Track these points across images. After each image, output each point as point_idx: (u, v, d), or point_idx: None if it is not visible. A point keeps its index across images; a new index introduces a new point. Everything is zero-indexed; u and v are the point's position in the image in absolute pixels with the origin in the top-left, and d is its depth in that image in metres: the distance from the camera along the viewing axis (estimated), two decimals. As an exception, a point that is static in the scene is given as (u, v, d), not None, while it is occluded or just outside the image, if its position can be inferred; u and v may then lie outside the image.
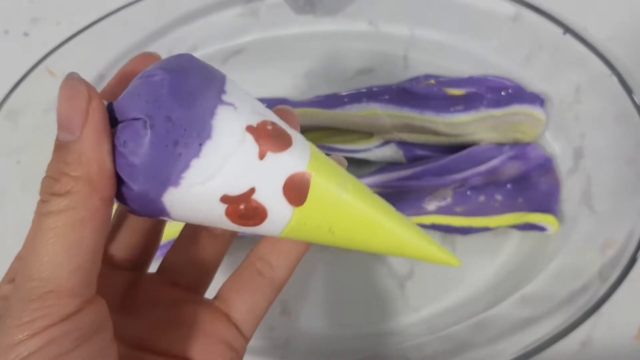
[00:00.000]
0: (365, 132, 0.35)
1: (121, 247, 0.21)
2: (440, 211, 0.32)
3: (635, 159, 0.31)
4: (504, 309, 0.31)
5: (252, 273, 0.21)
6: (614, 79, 0.32)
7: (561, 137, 0.34)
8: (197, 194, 0.16)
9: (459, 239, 0.33)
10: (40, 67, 0.36)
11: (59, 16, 0.40)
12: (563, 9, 0.34)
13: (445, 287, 0.32)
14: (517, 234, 0.33)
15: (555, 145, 0.34)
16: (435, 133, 0.34)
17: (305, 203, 0.17)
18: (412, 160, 0.34)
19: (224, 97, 0.17)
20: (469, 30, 0.36)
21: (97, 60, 0.37)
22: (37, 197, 0.16)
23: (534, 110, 0.34)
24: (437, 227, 0.32)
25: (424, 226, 0.32)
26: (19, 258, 0.18)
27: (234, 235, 0.22)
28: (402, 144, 0.34)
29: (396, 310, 0.32)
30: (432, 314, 0.32)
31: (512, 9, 0.35)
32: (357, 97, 0.35)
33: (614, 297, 0.28)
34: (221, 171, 0.16)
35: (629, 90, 0.32)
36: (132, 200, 0.17)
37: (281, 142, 0.17)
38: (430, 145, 0.34)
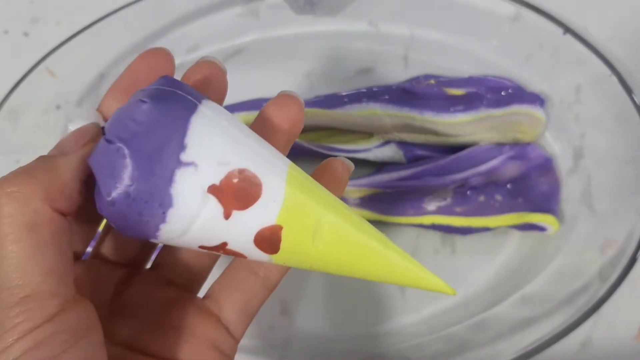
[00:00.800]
0: (365, 132, 0.35)
1: (117, 243, 0.21)
2: (440, 211, 0.32)
3: (635, 159, 0.31)
4: (504, 309, 0.31)
5: (245, 271, 0.20)
6: (614, 79, 0.32)
7: (561, 137, 0.34)
8: (177, 242, 0.17)
9: (459, 239, 0.33)
10: (40, 67, 0.36)
11: (59, 16, 0.40)
12: (563, 9, 0.34)
13: (445, 287, 0.32)
14: (517, 234, 0.33)
15: (555, 145, 0.34)
16: (435, 133, 0.34)
17: (279, 252, 0.17)
18: (412, 161, 0.34)
19: (183, 157, 0.16)
20: (469, 30, 0.36)
21: (97, 60, 0.37)
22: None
23: (534, 110, 0.34)
24: (437, 227, 0.32)
25: (423, 226, 0.32)
26: None
27: None
28: (402, 144, 0.34)
29: (396, 310, 0.32)
30: (432, 314, 0.32)
31: (512, 9, 0.35)
32: (357, 97, 0.35)
33: (614, 297, 0.28)
34: (190, 230, 0.17)
35: (629, 90, 0.32)
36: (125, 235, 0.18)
37: (248, 196, 0.16)
38: (430, 146, 0.34)
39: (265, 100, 0.35)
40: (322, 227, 0.17)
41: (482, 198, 0.32)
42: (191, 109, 0.17)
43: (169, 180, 0.16)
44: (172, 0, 0.38)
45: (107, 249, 0.21)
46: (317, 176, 0.20)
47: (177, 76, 0.19)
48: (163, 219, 0.16)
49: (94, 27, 0.36)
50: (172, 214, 0.16)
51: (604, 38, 0.34)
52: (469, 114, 0.34)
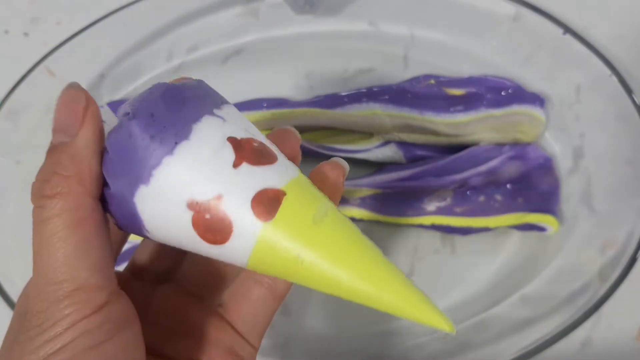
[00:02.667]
0: (365, 132, 0.35)
1: (147, 259, 0.22)
2: (440, 211, 0.32)
3: (635, 159, 0.31)
4: (504, 309, 0.31)
5: (250, 282, 0.20)
6: (614, 79, 0.32)
7: (561, 137, 0.34)
8: (166, 195, 0.16)
9: (459, 239, 0.33)
10: (40, 67, 0.36)
11: (59, 16, 0.40)
12: (563, 9, 0.34)
13: (445, 287, 0.32)
14: (517, 234, 0.33)
15: (555, 145, 0.34)
16: (435, 133, 0.34)
17: (274, 218, 0.16)
18: (412, 161, 0.34)
19: (216, 112, 0.17)
20: (469, 30, 0.36)
21: (97, 60, 0.37)
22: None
23: (534, 111, 0.34)
24: (437, 227, 0.32)
25: (423, 227, 0.32)
26: None
27: None
28: (402, 144, 0.34)
29: (396, 310, 0.32)
30: (432, 314, 0.31)
31: (512, 9, 0.35)
32: (357, 97, 0.35)
33: (614, 297, 0.28)
34: (190, 173, 0.16)
35: (629, 90, 0.32)
36: (111, 201, 0.17)
37: (262, 158, 0.17)
38: (430, 146, 0.34)
39: (265, 100, 0.35)
40: (326, 215, 0.17)
41: (482, 198, 0.32)
42: (231, 105, 0.18)
43: (196, 117, 0.16)
44: (172, 0, 0.38)
45: (137, 263, 0.22)
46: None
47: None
48: (171, 150, 0.16)
49: (94, 27, 0.36)
50: (183, 147, 0.16)
51: (604, 38, 0.34)
52: (469, 114, 0.34)
